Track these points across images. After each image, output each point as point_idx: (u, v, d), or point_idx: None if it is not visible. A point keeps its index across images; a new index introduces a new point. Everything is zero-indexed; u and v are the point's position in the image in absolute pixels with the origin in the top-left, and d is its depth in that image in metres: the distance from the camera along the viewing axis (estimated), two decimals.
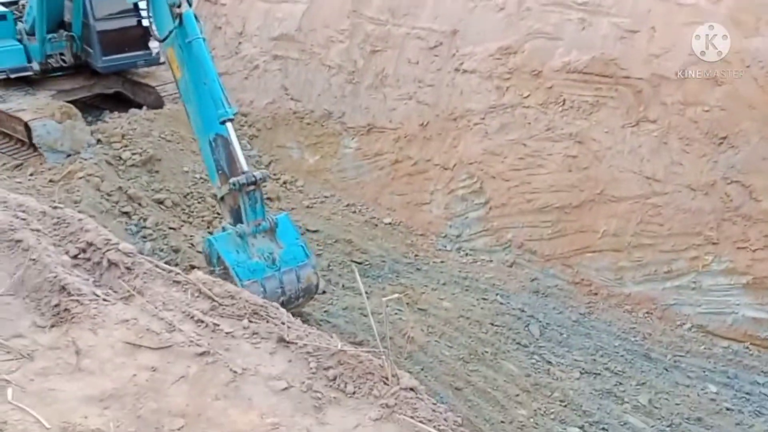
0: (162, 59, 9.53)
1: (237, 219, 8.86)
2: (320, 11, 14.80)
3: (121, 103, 14.69)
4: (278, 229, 8.87)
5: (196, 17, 8.63)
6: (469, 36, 12.59)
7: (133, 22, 13.62)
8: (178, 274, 4.46)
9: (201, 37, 8.61)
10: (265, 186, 9.06)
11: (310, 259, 9.07)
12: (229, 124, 8.65)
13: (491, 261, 11.43)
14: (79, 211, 10.14)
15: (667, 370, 9.22)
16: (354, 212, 12.93)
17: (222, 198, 9.10)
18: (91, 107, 14.68)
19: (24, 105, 12.96)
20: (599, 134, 10.95)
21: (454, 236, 11.94)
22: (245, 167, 8.63)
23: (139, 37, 13.65)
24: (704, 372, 9.16)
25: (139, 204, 11.68)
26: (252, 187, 8.57)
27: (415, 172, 12.87)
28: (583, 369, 9.17)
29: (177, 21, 8.48)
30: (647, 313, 10.10)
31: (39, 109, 12.72)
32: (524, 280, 10.93)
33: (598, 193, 10.84)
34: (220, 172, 8.94)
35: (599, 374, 9.10)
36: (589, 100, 11.05)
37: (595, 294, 10.51)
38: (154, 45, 13.19)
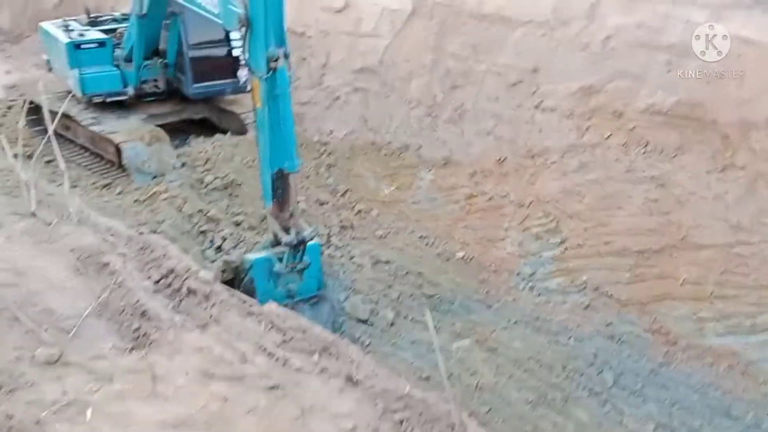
0: (249, 88, 9.83)
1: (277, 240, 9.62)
2: (402, 46, 15.00)
3: (206, 128, 15.19)
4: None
5: (289, 65, 8.88)
6: (550, 74, 12.50)
7: (223, 51, 14.12)
8: (252, 305, 4.56)
9: (287, 91, 8.97)
10: (312, 239, 9.74)
11: (319, 291, 9.98)
12: (292, 177, 9.30)
13: (565, 302, 11.16)
14: (161, 231, 10.59)
15: (748, 429, 8.76)
16: (427, 244, 12.88)
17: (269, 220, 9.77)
18: (178, 131, 15.22)
19: (116, 127, 13.57)
20: (683, 178, 10.63)
21: (528, 275, 11.72)
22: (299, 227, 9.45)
23: (229, 65, 14.12)
24: None
25: (218, 225, 12.00)
26: (300, 245, 9.35)
27: (490, 208, 12.76)
28: (659, 422, 8.80)
29: (270, 72, 8.76)
30: (729, 367, 9.62)
31: (130, 132, 13.29)
32: (599, 325, 10.60)
33: (679, 238, 10.48)
34: (275, 201, 9.50)
35: (675, 429, 8.73)
36: (673, 143, 10.76)
37: (674, 344, 10.09)
38: (241, 74, 13.60)
